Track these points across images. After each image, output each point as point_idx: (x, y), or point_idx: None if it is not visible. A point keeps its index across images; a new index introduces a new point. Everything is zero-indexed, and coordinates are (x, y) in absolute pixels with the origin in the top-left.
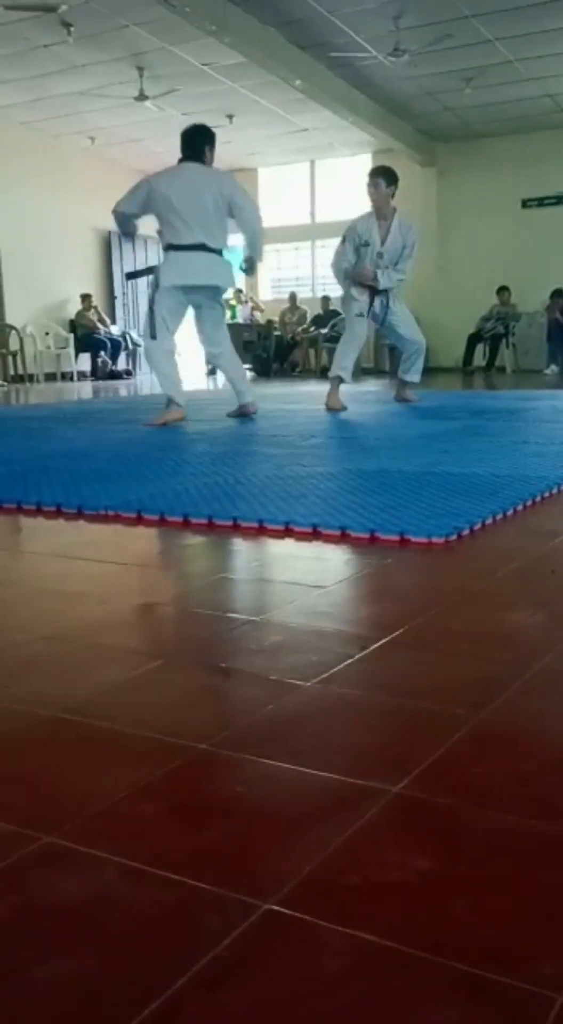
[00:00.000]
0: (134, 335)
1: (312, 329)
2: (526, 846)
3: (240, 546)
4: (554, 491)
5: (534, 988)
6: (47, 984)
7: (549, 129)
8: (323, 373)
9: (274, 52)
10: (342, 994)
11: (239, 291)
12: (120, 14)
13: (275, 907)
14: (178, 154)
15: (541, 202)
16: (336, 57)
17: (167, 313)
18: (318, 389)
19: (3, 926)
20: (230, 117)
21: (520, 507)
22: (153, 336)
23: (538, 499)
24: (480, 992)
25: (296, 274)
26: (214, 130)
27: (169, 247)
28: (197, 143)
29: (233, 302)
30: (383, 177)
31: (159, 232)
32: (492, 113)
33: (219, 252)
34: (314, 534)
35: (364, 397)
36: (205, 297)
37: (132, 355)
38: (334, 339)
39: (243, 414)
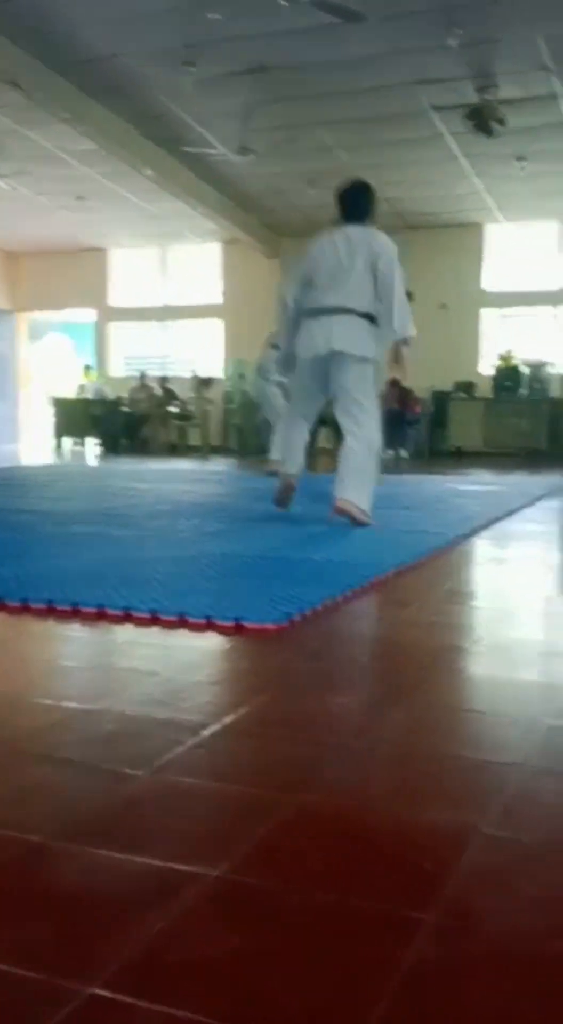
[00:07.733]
0: None
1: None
2: (340, 921)
3: (79, 632)
4: (386, 573)
5: None
6: None
7: (387, 232)
8: (172, 450)
9: (127, 142)
10: None
11: (88, 367)
12: None
13: (97, 991)
14: (29, 233)
15: None
16: (187, 152)
17: None
18: (167, 467)
19: None
20: (81, 199)
21: (348, 592)
22: None
23: (366, 584)
24: None
25: (146, 352)
26: (64, 210)
27: None
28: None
29: (83, 378)
30: None
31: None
32: (334, 212)
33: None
34: (153, 619)
35: (212, 478)
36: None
37: None
38: (182, 416)
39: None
